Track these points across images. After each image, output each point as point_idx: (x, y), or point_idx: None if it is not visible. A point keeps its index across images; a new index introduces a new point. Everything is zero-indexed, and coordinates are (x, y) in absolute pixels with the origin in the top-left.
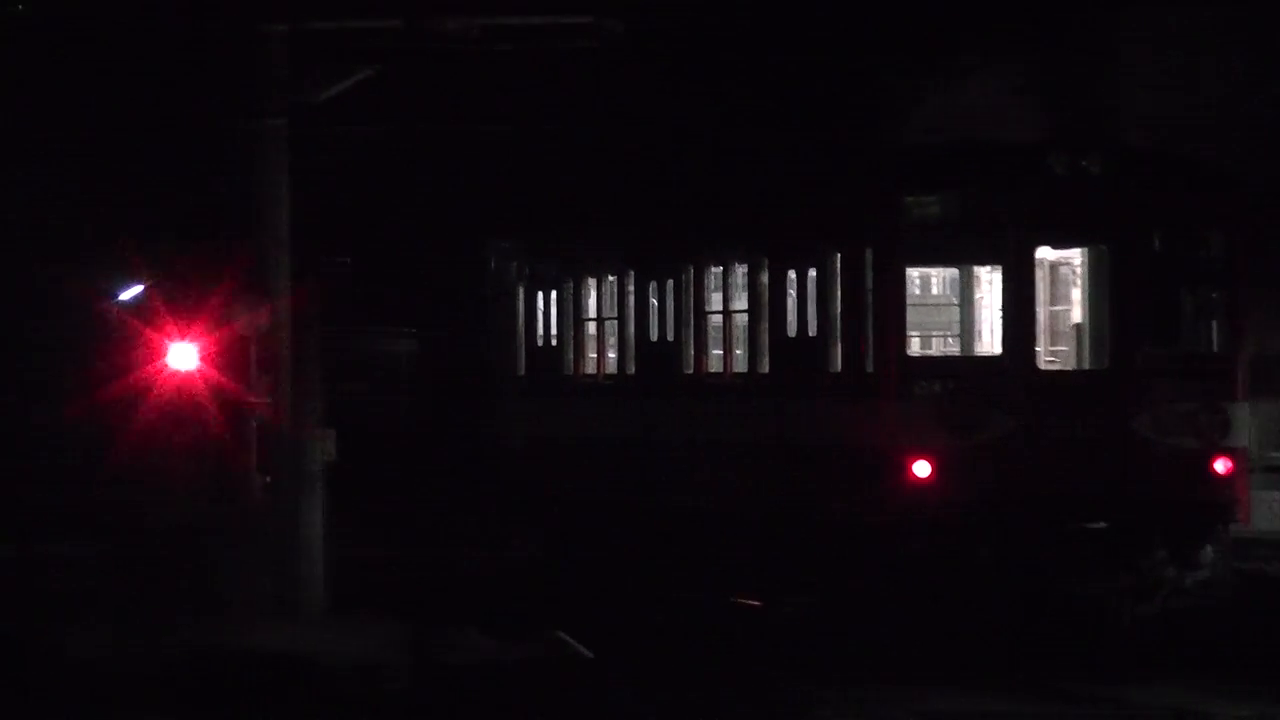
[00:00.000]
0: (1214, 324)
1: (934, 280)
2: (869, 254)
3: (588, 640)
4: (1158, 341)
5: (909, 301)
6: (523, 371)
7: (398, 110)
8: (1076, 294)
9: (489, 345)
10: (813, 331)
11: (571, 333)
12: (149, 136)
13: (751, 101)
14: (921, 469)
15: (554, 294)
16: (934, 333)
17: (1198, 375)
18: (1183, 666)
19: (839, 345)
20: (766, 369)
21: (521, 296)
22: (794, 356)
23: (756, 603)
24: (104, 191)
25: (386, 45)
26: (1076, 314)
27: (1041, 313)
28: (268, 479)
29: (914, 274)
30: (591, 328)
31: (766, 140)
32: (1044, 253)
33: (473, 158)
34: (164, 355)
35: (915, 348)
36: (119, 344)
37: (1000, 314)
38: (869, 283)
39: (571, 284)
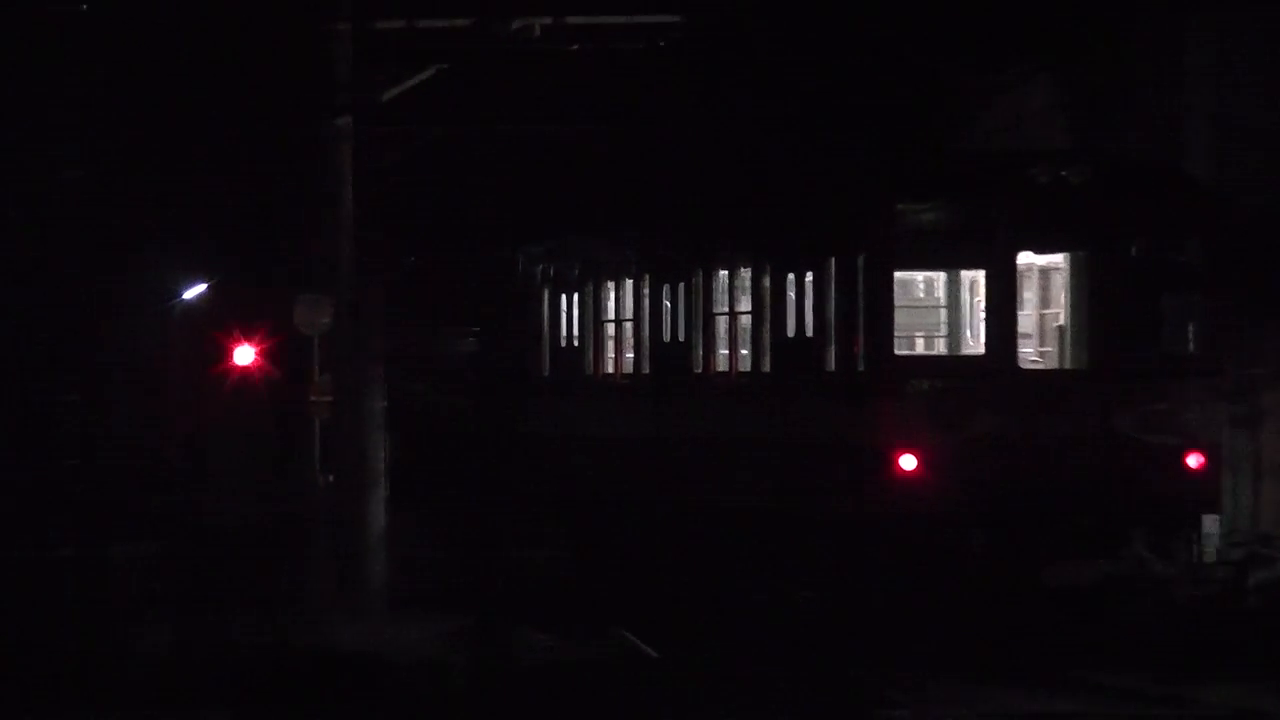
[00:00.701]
0: (1191, 326)
1: (925, 284)
2: (861, 258)
3: (635, 635)
4: (1136, 342)
5: (901, 304)
6: (547, 372)
7: (452, 113)
8: (1064, 298)
9: (519, 346)
10: (810, 333)
11: (592, 334)
12: (213, 134)
13: (785, 109)
14: (908, 463)
15: (575, 296)
16: (924, 334)
17: (1174, 375)
18: (1238, 665)
19: (833, 346)
20: (768, 369)
21: (546, 299)
22: (793, 357)
23: (810, 595)
24: (166, 190)
25: (451, 46)
26: (1062, 317)
27: (1033, 315)
28: (330, 478)
29: (905, 277)
30: (610, 329)
31: (772, 148)
32: (1036, 259)
33: (512, 161)
34: (226, 355)
35: (905, 348)
36: (181, 344)
37: (985, 316)
38: (861, 286)
39: (591, 287)
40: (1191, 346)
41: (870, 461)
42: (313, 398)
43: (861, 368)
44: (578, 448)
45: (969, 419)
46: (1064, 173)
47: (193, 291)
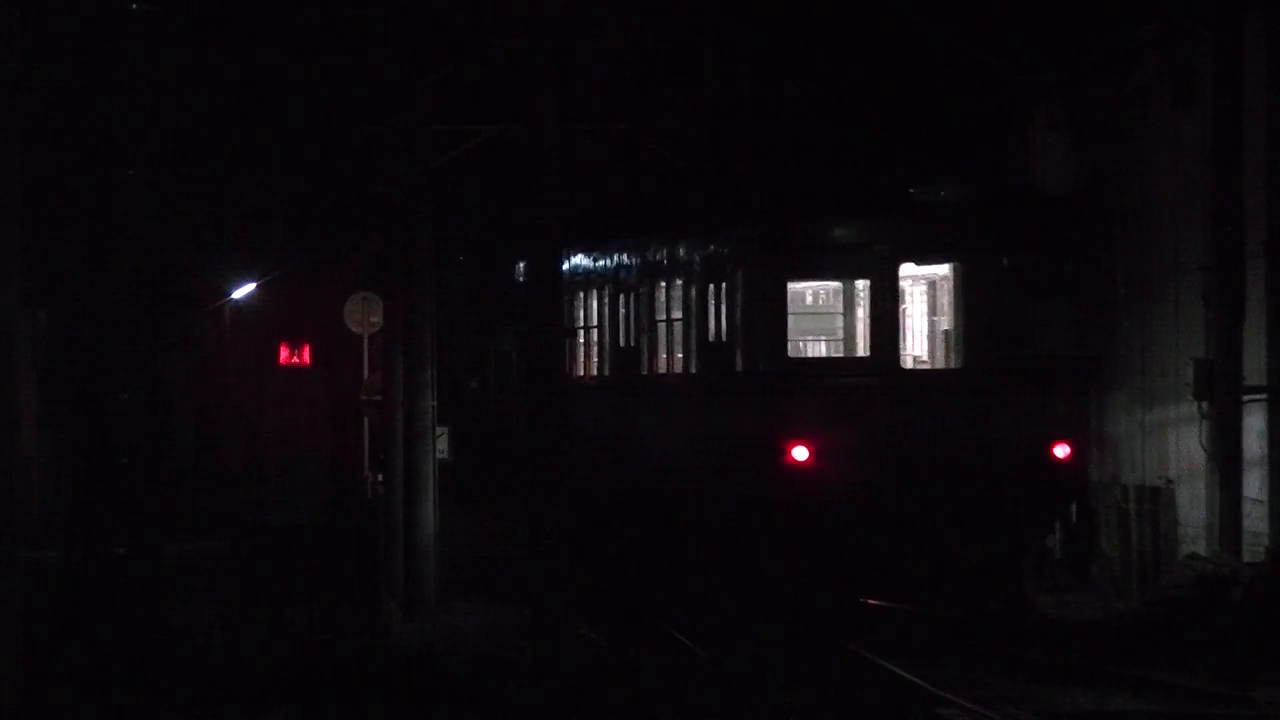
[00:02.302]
0: (1061, 329)
1: (822, 293)
2: (762, 270)
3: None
4: (1009, 344)
5: (800, 310)
6: (474, 382)
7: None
8: (949, 305)
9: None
10: (725, 337)
11: (572, 339)
12: (273, 147)
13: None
14: (800, 454)
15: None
16: (822, 338)
17: (1043, 373)
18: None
19: (739, 348)
20: (695, 370)
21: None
22: (713, 358)
23: (875, 602)
24: (220, 191)
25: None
26: (946, 322)
27: (925, 321)
28: (379, 477)
29: (802, 287)
30: (585, 335)
31: (706, 169)
32: (928, 270)
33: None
34: (278, 354)
35: (801, 351)
36: (234, 342)
37: (870, 321)
38: (760, 295)
39: (568, 296)
40: (1062, 347)
41: (768, 452)
42: (363, 397)
43: (761, 368)
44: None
45: (855, 414)
46: (943, 193)
47: (245, 290)
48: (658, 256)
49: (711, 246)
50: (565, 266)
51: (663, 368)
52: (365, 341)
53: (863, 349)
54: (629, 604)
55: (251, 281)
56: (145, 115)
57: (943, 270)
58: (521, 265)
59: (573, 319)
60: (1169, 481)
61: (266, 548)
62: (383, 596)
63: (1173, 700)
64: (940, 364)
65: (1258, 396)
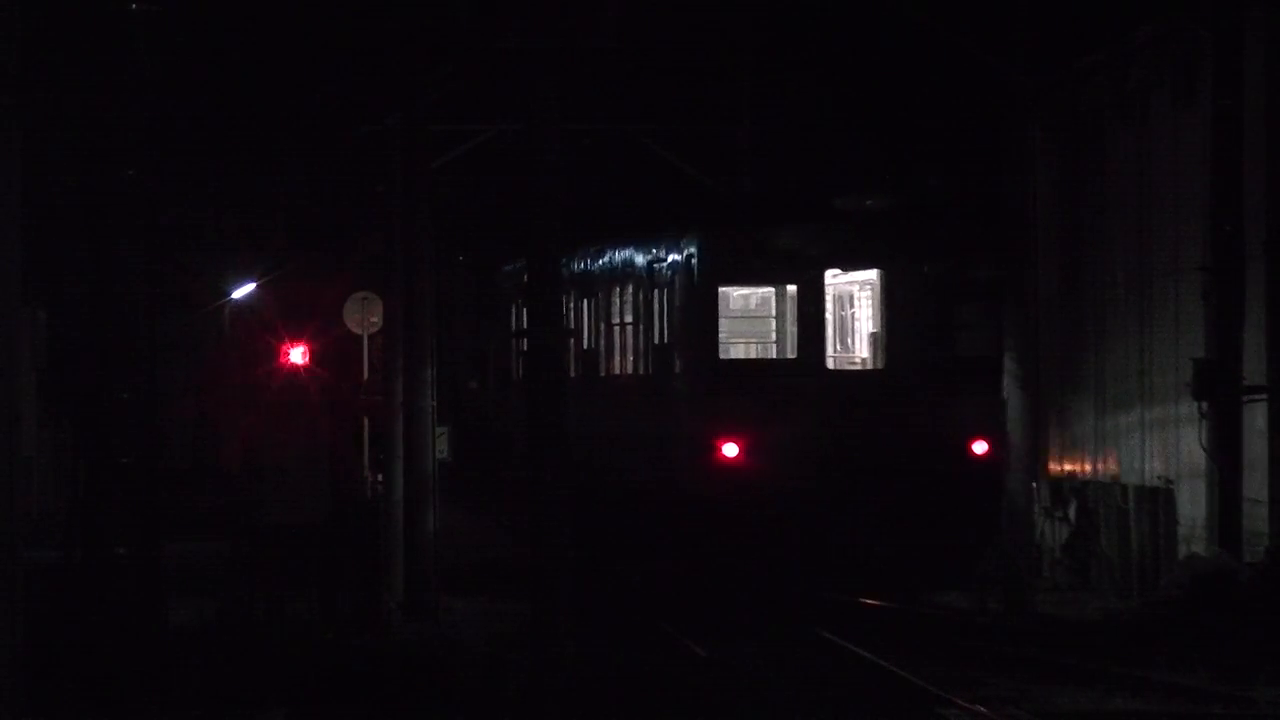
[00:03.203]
0: (979, 333)
1: (753, 297)
2: (696, 277)
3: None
4: (929, 346)
5: (733, 314)
6: (519, 375)
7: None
8: (876, 309)
9: (502, 351)
10: (667, 340)
11: (515, 345)
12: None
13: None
14: (730, 450)
15: (513, 311)
16: (756, 340)
17: (962, 373)
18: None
19: (678, 351)
20: (644, 371)
21: (513, 310)
22: (658, 360)
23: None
24: (220, 191)
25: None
26: (873, 325)
27: (852, 324)
28: (380, 477)
29: (734, 291)
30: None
31: (657, 183)
32: (857, 276)
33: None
34: (277, 354)
35: (734, 353)
36: (233, 343)
37: (798, 325)
38: (696, 299)
39: (511, 306)
40: (981, 349)
41: (702, 449)
42: (362, 396)
43: (695, 369)
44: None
45: (783, 413)
46: (868, 202)
47: (244, 290)
48: (614, 262)
49: (655, 253)
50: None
51: (618, 369)
52: (365, 341)
53: (791, 351)
54: (621, 601)
55: (251, 281)
56: (145, 115)
57: (873, 276)
58: (507, 268)
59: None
60: (1169, 481)
61: (266, 548)
62: (382, 596)
63: (1173, 700)
64: (864, 365)
65: (1258, 396)
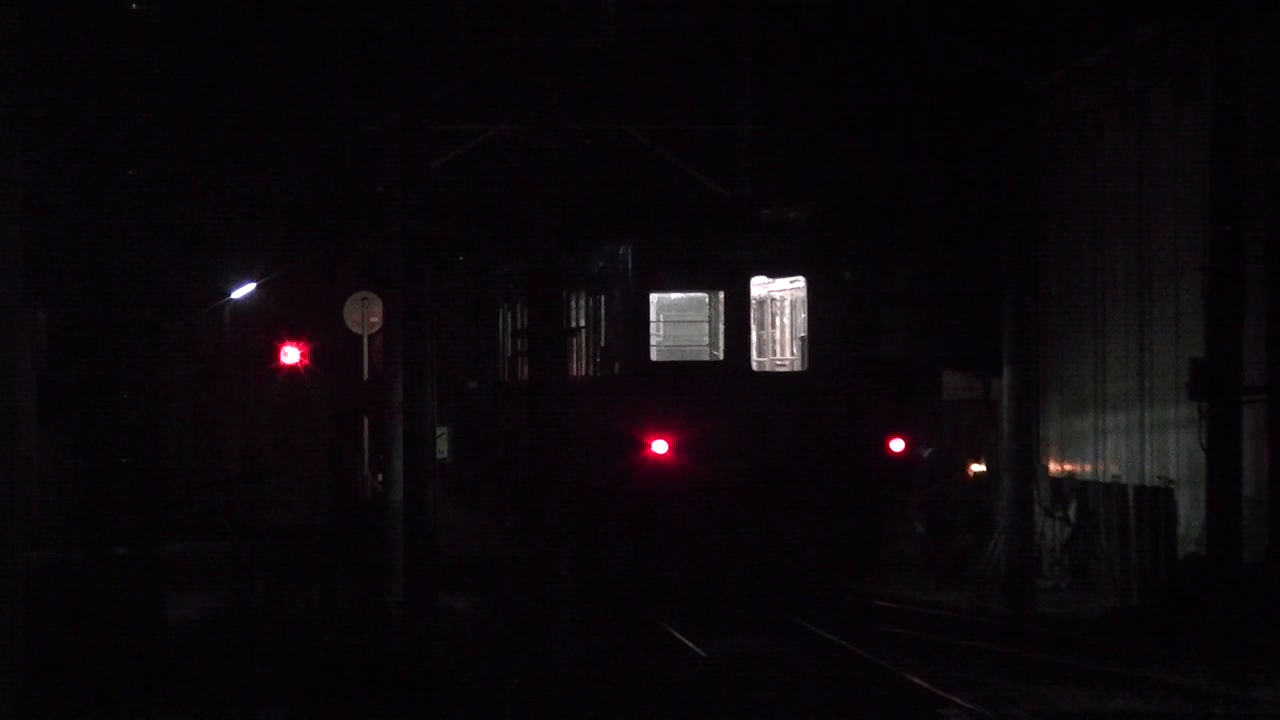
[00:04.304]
0: (897, 336)
1: (685, 303)
2: (630, 283)
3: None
4: (848, 349)
5: (666, 319)
6: (504, 376)
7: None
8: (802, 314)
9: (490, 353)
10: (608, 343)
11: (512, 346)
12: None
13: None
14: (660, 447)
15: (505, 315)
16: (688, 343)
17: (880, 374)
18: None
19: (616, 353)
20: (591, 372)
21: (500, 314)
22: (602, 362)
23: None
24: (220, 191)
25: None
26: (801, 329)
27: (789, 329)
28: (380, 477)
29: (665, 297)
30: (507, 343)
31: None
32: (782, 283)
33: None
34: (277, 354)
35: (667, 355)
36: (233, 343)
37: (725, 329)
38: (630, 305)
39: (506, 306)
40: (899, 353)
41: (636, 446)
42: (362, 397)
43: (630, 371)
44: (512, 441)
45: (710, 412)
46: (791, 213)
47: (244, 290)
48: (570, 269)
49: (599, 261)
50: (508, 276)
51: (573, 370)
52: (365, 341)
53: (718, 354)
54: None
55: (251, 281)
56: (145, 115)
57: (801, 283)
58: (496, 273)
59: (512, 325)
60: (1168, 481)
61: (266, 547)
62: (382, 595)
63: (1173, 700)
64: (788, 366)
65: (1257, 397)
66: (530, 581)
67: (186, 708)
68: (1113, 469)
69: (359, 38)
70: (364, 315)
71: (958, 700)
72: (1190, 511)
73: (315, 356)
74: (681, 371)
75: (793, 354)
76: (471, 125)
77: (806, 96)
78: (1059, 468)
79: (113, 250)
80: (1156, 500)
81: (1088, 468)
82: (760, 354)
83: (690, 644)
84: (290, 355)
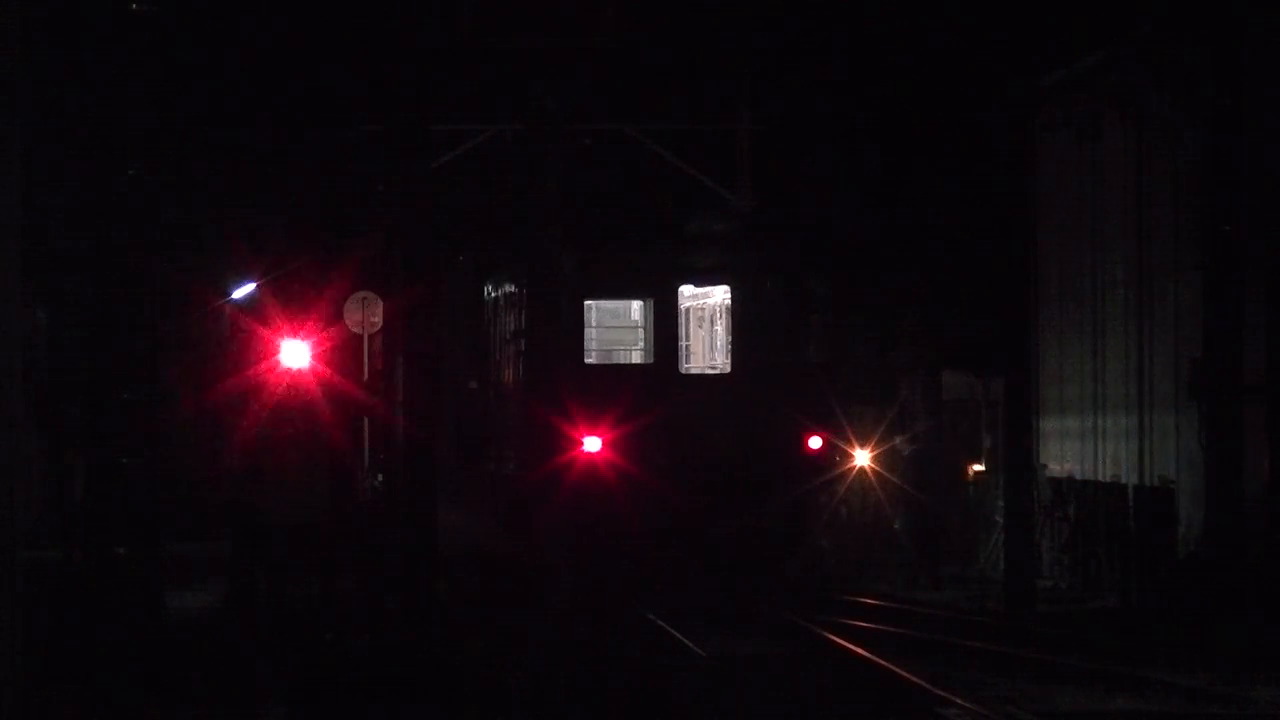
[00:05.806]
0: (814, 340)
1: (619, 309)
2: (567, 292)
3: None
4: (769, 353)
5: (609, 324)
6: (494, 377)
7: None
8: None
9: (482, 361)
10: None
11: (498, 351)
12: (274, 138)
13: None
14: (593, 445)
15: (493, 323)
16: (624, 347)
17: (798, 377)
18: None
19: (554, 357)
20: (530, 375)
21: (496, 322)
22: (544, 366)
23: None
24: (220, 191)
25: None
26: (722, 334)
27: (719, 335)
28: (380, 478)
29: (599, 304)
30: (502, 348)
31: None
32: (708, 291)
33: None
34: (277, 354)
35: (602, 359)
36: (234, 343)
37: (654, 334)
38: (567, 312)
39: (491, 315)
40: (816, 356)
41: (570, 444)
42: (363, 398)
43: (566, 374)
44: (492, 438)
45: (639, 411)
46: (715, 225)
47: (244, 290)
48: (514, 280)
49: (539, 270)
50: (488, 288)
51: (510, 377)
52: (365, 341)
53: (647, 357)
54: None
55: (251, 281)
56: (145, 115)
57: (718, 291)
58: (486, 288)
59: (495, 331)
60: (1169, 481)
61: (267, 547)
62: (382, 595)
63: (1173, 700)
64: (713, 370)
65: (1256, 396)
66: (524, 578)
67: (186, 707)
68: (1112, 469)
69: (359, 37)
70: (364, 315)
71: (957, 700)
72: (1190, 511)
73: (316, 356)
74: (614, 375)
75: (721, 358)
76: (472, 125)
77: (805, 97)
78: (1059, 467)
79: (113, 250)
80: (1156, 500)
81: (1088, 467)
82: (688, 360)
83: (690, 644)
84: (290, 355)
